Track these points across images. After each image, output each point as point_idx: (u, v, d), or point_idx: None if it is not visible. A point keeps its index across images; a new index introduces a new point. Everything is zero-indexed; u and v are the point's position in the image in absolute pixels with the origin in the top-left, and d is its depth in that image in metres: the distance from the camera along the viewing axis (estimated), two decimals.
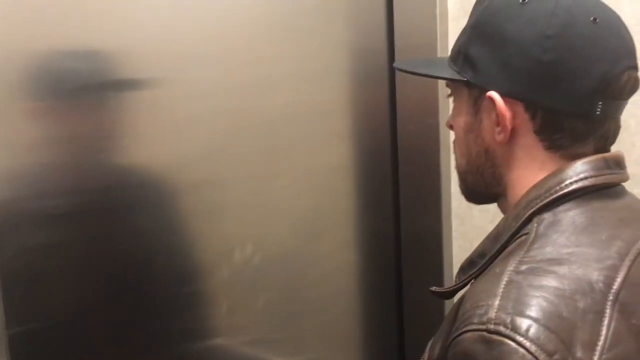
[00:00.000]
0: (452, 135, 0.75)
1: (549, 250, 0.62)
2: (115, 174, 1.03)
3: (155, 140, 1.04)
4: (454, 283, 0.73)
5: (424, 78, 0.77)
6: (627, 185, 0.70)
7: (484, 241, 0.71)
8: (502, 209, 0.74)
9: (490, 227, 0.71)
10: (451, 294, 0.74)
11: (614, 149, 0.70)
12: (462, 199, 1.11)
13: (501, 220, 0.71)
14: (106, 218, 1.04)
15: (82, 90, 0.97)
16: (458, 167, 0.76)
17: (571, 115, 0.66)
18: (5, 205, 0.93)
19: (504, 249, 0.67)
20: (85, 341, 1.06)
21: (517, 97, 0.66)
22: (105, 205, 1.03)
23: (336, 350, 1.19)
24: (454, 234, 1.16)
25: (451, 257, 1.16)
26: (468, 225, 1.14)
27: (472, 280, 0.70)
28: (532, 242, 0.63)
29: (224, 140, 1.08)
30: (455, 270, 1.13)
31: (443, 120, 1.14)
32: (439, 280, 1.14)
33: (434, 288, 0.75)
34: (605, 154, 0.68)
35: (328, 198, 1.16)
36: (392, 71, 1.17)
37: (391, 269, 1.18)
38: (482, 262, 0.69)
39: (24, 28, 0.91)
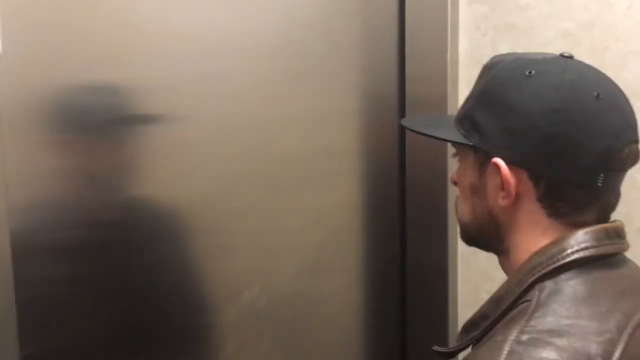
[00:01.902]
0: (451, 188, 0.76)
1: (549, 320, 0.63)
2: (129, 208, 1.05)
3: (168, 177, 1.05)
4: (457, 343, 0.74)
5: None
6: None
7: (486, 303, 0.72)
8: (503, 266, 0.76)
9: (495, 273, 0.73)
10: (452, 354, 0.75)
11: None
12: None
13: (504, 284, 0.72)
14: (118, 251, 1.05)
15: (99, 125, 0.99)
16: (461, 220, 0.78)
17: (574, 186, 0.67)
18: (23, 235, 0.95)
19: (505, 314, 0.68)
20: None
21: (521, 165, 0.68)
22: (117, 239, 1.04)
23: None
24: (459, 277, 1.17)
25: (456, 300, 1.17)
26: (474, 268, 1.15)
27: (474, 343, 0.71)
28: (534, 311, 0.65)
29: (236, 179, 1.09)
30: (460, 314, 1.16)
31: (451, 162, 1.15)
32: (442, 322, 1.15)
33: (436, 347, 0.77)
34: (606, 225, 0.69)
35: (335, 237, 1.18)
36: (401, 115, 1.18)
37: (396, 310, 1.19)
38: (484, 325, 0.70)
39: (43, 62, 0.93)
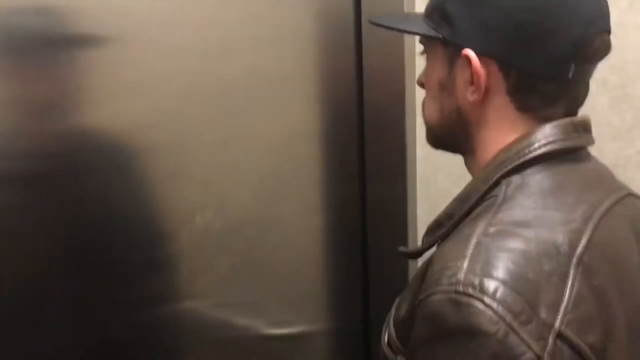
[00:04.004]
0: (419, 100, 0.74)
1: (516, 212, 0.63)
2: (70, 136, 1.00)
3: (111, 101, 1.01)
4: (421, 244, 0.74)
5: (390, 40, 0.76)
6: None
7: (451, 203, 0.71)
8: (469, 166, 0.75)
9: (455, 190, 0.72)
10: (418, 254, 0.74)
11: None
12: (427, 163, 1.14)
13: (469, 183, 0.71)
14: (65, 181, 1.01)
15: (34, 48, 0.93)
16: (428, 122, 0.76)
17: (544, 78, 0.66)
18: None
19: (471, 211, 0.68)
20: (45, 305, 1.04)
21: (492, 56, 0.66)
22: (63, 169, 1.00)
23: (301, 312, 1.20)
24: (418, 197, 1.16)
25: (415, 220, 1.17)
26: (433, 188, 1.15)
27: (440, 242, 0.71)
28: (500, 205, 0.64)
29: (184, 102, 1.06)
30: (420, 232, 1.16)
31: (409, 83, 1.14)
32: (403, 242, 1.15)
33: (401, 248, 0.76)
34: (574, 118, 0.68)
35: (292, 164, 1.15)
36: (358, 34, 1.15)
37: (356, 232, 1.18)
38: (449, 224, 0.69)
39: None
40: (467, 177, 0.75)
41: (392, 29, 0.74)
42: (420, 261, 0.73)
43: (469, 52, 0.66)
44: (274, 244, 1.16)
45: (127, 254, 1.07)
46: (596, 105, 1.00)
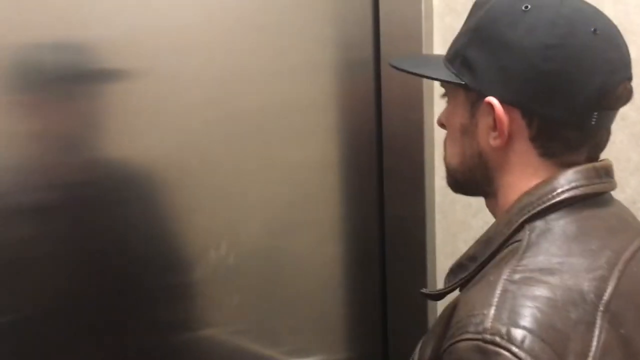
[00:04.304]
0: (437, 132, 0.74)
1: (541, 259, 0.63)
2: (92, 169, 1.01)
3: (132, 135, 1.01)
4: (443, 285, 0.74)
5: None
6: None
7: (474, 245, 0.72)
8: (491, 208, 0.75)
9: (472, 222, 0.72)
10: (440, 296, 0.74)
11: None
12: (445, 193, 1.14)
13: (492, 225, 0.71)
14: (84, 213, 1.02)
15: (60, 83, 0.94)
16: (448, 164, 0.76)
17: (567, 125, 0.66)
18: None
19: (495, 255, 0.68)
20: (66, 333, 1.04)
21: (515, 104, 0.66)
22: (82, 200, 1.01)
23: (319, 344, 1.20)
24: (437, 228, 1.17)
25: (434, 251, 1.17)
26: (451, 219, 1.15)
27: (462, 285, 0.71)
28: (525, 251, 0.64)
29: (204, 134, 1.06)
30: (439, 263, 1.16)
31: (427, 115, 1.14)
32: (422, 273, 1.15)
33: (424, 290, 0.76)
34: (596, 163, 0.69)
35: (309, 193, 1.15)
36: (377, 66, 1.16)
37: (375, 263, 1.19)
38: (472, 267, 0.70)
39: (3, 19, 0.88)
40: (485, 210, 0.75)
41: (414, 74, 0.75)
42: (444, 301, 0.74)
43: (492, 100, 0.66)
44: (292, 273, 1.16)
45: (142, 282, 1.07)
46: (615, 140, 1.00)
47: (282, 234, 1.14)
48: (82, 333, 1.05)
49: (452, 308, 0.67)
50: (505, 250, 0.67)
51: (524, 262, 0.63)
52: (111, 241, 1.04)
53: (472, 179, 0.74)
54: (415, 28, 1.12)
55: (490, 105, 0.67)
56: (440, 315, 0.71)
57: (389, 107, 1.17)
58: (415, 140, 1.15)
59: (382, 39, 1.14)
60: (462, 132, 0.72)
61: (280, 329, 1.16)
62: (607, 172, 0.69)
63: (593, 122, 0.66)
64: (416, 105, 1.14)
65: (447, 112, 0.75)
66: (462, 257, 0.72)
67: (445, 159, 0.76)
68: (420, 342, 0.74)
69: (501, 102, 0.66)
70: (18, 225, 0.95)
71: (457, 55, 0.71)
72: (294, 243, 1.15)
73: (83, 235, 1.03)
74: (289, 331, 1.17)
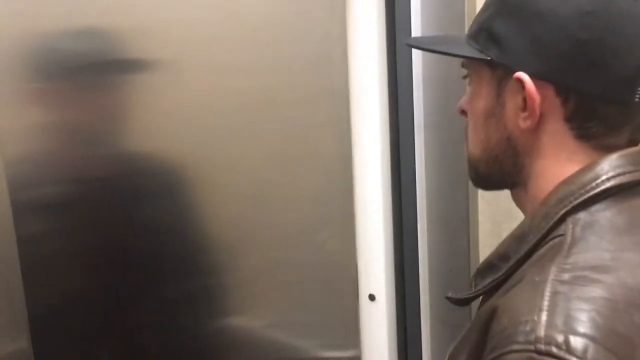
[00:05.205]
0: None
1: (591, 255, 0.55)
2: (120, 162, 1.01)
3: (160, 127, 1.01)
4: (471, 289, 0.66)
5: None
6: None
7: (505, 241, 0.64)
8: (518, 200, 0.67)
9: (518, 213, 0.64)
10: (467, 301, 0.67)
11: None
12: None
13: (526, 219, 0.63)
14: (114, 205, 1.01)
15: (86, 72, 0.95)
16: (470, 155, 0.68)
17: (608, 101, 0.58)
18: (20, 191, 0.93)
19: (532, 252, 0.60)
20: (97, 322, 1.04)
21: (548, 78, 0.58)
22: (111, 193, 1.01)
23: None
24: (480, 218, 1.08)
25: (477, 243, 1.09)
26: (494, 208, 1.07)
27: (493, 287, 0.63)
28: (571, 247, 0.56)
29: (232, 122, 1.04)
30: (483, 255, 1.08)
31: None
32: (464, 264, 1.08)
33: (449, 294, 0.69)
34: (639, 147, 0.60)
35: (338, 186, 1.11)
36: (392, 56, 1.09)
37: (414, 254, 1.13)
38: (505, 267, 0.62)
39: (26, 8, 0.89)
40: None
41: (434, 51, 0.67)
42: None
43: (522, 75, 0.59)
44: (319, 270, 1.12)
45: (174, 275, 1.06)
46: None
47: (307, 230, 1.10)
48: (108, 330, 1.06)
49: (489, 313, 0.59)
50: (545, 247, 0.59)
51: (572, 259, 0.55)
52: (138, 231, 1.04)
53: (497, 169, 0.66)
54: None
55: (520, 81, 0.59)
56: (474, 321, 0.63)
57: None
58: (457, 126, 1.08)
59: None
60: (487, 115, 0.64)
61: (314, 320, 1.13)
62: None
63: (637, 99, 0.57)
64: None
65: (469, 96, 0.67)
66: (491, 256, 0.64)
67: (467, 149, 0.68)
68: (450, 349, 0.67)
69: (532, 77, 0.59)
70: (48, 218, 0.97)
71: (482, 30, 0.63)
72: (318, 233, 1.11)
73: (112, 228, 1.03)
74: (322, 324, 1.13)
